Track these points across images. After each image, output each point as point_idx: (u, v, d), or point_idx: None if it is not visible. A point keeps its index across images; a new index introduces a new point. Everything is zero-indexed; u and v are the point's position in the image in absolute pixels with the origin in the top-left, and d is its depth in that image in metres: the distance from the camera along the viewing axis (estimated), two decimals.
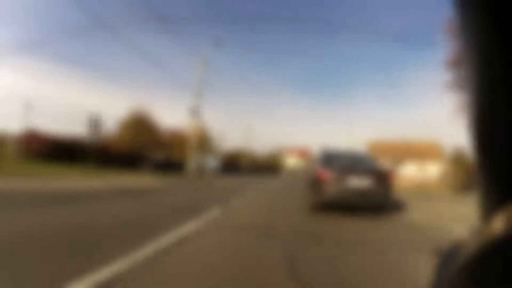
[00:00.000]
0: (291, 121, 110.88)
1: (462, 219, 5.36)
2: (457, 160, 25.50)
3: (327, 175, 5.12)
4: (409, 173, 22.65)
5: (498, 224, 0.24)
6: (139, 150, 30.02)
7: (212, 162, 28.88)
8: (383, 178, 5.23)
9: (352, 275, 2.39)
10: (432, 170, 27.02)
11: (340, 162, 5.62)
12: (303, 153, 76.05)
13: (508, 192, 0.26)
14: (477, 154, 0.31)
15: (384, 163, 29.99)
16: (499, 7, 0.26)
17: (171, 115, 52.35)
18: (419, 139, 32.28)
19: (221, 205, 5.92)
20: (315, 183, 5.38)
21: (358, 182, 5.03)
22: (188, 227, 3.70)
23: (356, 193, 5.02)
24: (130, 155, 26.66)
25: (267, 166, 54.81)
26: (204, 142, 30.90)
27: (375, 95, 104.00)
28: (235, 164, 39.01)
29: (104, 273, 2.04)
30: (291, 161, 74.42)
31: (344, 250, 3.18)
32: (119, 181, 10.63)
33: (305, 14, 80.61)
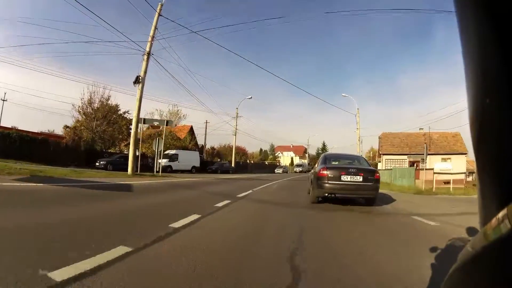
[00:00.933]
0: (290, 119, 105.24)
1: None
2: None
3: (326, 173, 6.25)
4: (444, 170, 17.19)
5: (498, 224, 0.24)
6: (104, 145, 24.74)
7: (185, 158, 23.20)
8: (371, 176, 6.31)
9: None
10: (460, 167, 21.69)
11: (337, 163, 7.16)
12: (301, 151, 70.70)
13: (509, 193, 0.26)
14: (477, 154, 0.30)
15: (403, 160, 24.82)
16: (498, 6, 0.26)
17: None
18: (439, 132, 27.08)
19: None
20: (317, 179, 6.41)
21: (351, 179, 6.15)
22: None
23: (349, 187, 6.18)
24: (84, 150, 21.37)
25: (261, 165, 49.30)
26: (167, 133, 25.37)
27: (376, 92, 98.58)
28: (221, 162, 33.49)
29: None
30: (289, 160, 68.76)
31: None
32: None
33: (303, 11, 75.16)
